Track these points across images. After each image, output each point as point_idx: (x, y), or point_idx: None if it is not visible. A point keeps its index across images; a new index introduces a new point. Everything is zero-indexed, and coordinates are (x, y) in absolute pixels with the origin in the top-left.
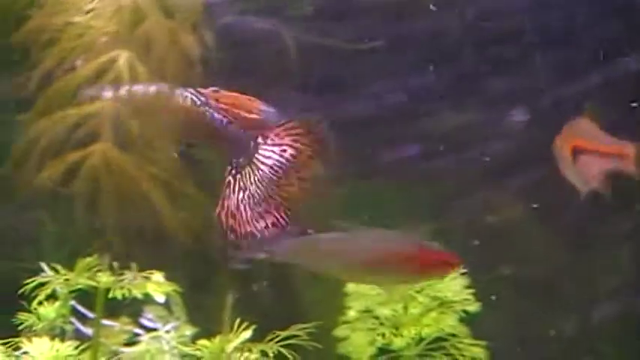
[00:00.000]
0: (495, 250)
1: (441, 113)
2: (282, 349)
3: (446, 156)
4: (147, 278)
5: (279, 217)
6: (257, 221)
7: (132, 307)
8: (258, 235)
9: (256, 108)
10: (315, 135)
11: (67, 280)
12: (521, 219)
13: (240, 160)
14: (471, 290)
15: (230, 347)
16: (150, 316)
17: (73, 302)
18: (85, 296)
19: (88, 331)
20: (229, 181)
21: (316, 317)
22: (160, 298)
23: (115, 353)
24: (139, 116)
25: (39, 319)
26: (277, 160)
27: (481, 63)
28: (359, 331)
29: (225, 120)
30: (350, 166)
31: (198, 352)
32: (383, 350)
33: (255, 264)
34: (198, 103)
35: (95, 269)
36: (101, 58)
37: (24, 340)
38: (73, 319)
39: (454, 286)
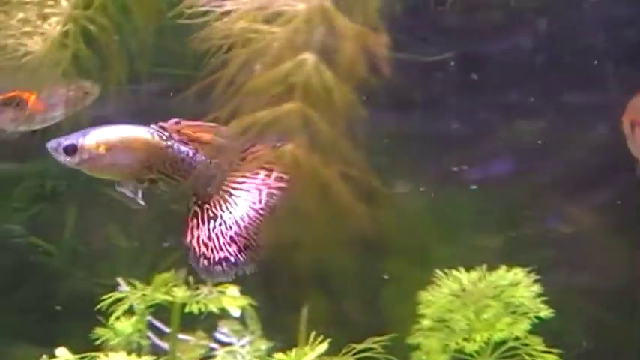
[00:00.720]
0: (570, 259)
1: (517, 123)
2: None
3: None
4: (222, 292)
5: (250, 239)
6: (229, 245)
7: (207, 322)
8: (232, 260)
9: (219, 135)
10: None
11: (144, 295)
12: (597, 229)
13: (208, 189)
14: (544, 297)
15: None
16: (225, 330)
17: (149, 317)
18: (162, 311)
19: (165, 345)
20: (196, 211)
21: (390, 327)
22: (236, 312)
23: None
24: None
25: (115, 333)
26: (251, 184)
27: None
28: (432, 339)
29: (191, 151)
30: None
31: None
32: (456, 357)
33: (328, 277)
34: (164, 137)
35: (171, 284)
36: (287, 62)
37: (101, 355)
38: (149, 334)
39: (527, 292)
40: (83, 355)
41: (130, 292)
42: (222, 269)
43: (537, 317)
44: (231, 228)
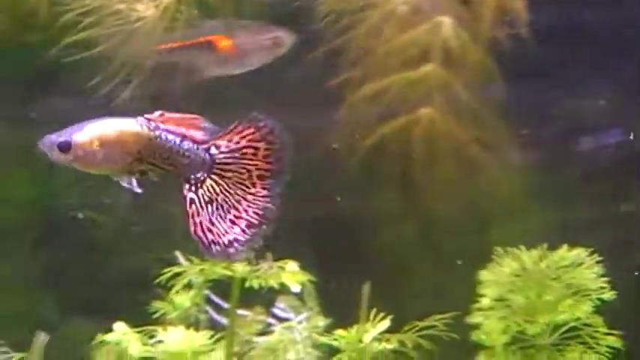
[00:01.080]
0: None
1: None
2: (420, 340)
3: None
4: (282, 268)
5: (251, 217)
6: (232, 227)
7: (264, 297)
8: (242, 238)
9: (201, 125)
10: (264, 130)
11: (202, 269)
12: None
13: (198, 175)
14: (605, 278)
15: (368, 337)
16: (282, 306)
17: (207, 292)
18: (219, 286)
19: (222, 320)
20: (192, 199)
21: (449, 305)
22: (296, 288)
23: (248, 343)
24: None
25: (174, 307)
26: (240, 164)
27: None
28: (493, 319)
29: (178, 139)
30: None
31: (335, 342)
32: (517, 338)
33: (385, 255)
34: (152, 128)
35: None
36: (424, 25)
37: (159, 328)
38: (207, 308)
39: (589, 274)
40: (141, 328)
41: (189, 267)
42: (236, 250)
43: (599, 299)
44: (229, 211)
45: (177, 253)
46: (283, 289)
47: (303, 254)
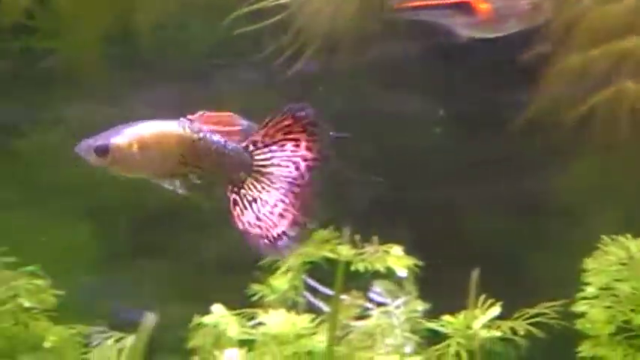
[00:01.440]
0: None
1: None
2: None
3: None
4: (387, 252)
5: (298, 210)
6: (280, 221)
7: (360, 281)
8: (292, 233)
9: (237, 123)
10: (304, 120)
11: (301, 253)
12: None
13: (240, 174)
14: None
15: (478, 323)
16: (378, 290)
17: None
18: (314, 270)
19: (319, 304)
20: (235, 199)
21: (554, 293)
22: (402, 273)
23: (346, 327)
24: None
25: (272, 290)
26: (281, 157)
27: None
28: (598, 308)
29: (221, 140)
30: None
31: (441, 328)
32: (622, 328)
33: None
34: (195, 130)
35: (335, 241)
36: None
37: (259, 310)
38: (304, 292)
39: None
40: (239, 311)
41: None
42: (286, 243)
43: None
44: (276, 205)
45: None
46: (381, 274)
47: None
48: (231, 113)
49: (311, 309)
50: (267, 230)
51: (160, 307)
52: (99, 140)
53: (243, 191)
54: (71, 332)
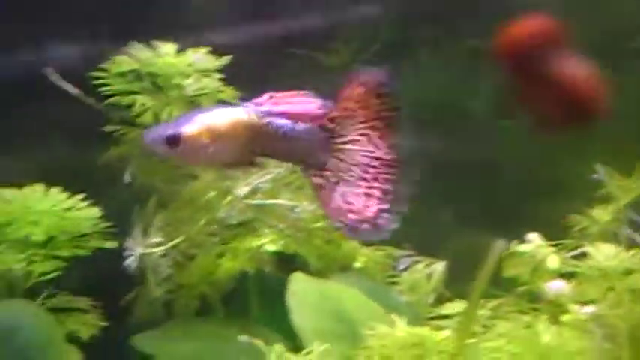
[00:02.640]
0: None
1: None
2: None
3: None
4: None
5: (384, 183)
6: (370, 201)
7: None
8: (386, 207)
9: (313, 101)
10: (372, 84)
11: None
12: None
13: (320, 157)
14: None
15: None
16: None
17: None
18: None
19: None
20: (319, 184)
21: None
22: None
23: None
24: None
25: (593, 222)
26: (358, 131)
27: None
28: None
29: (290, 124)
30: None
31: None
32: None
33: None
34: (261, 115)
35: None
36: None
37: (581, 242)
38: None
39: None
40: (558, 242)
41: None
42: (387, 221)
43: None
44: (359, 185)
45: (599, 166)
46: None
47: None
48: (305, 91)
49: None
50: (362, 212)
51: (470, 235)
52: (169, 129)
53: (327, 173)
54: (380, 254)
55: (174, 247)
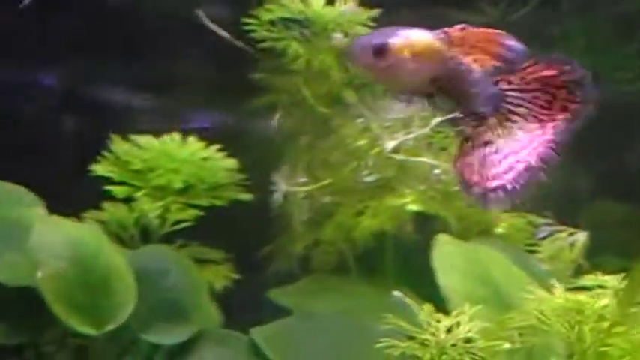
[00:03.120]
0: None
1: None
2: None
3: None
4: None
5: (530, 166)
6: (506, 173)
7: None
8: (509, 187)
9: (506, 44)
10: (569, 78)
11: None
12: None
13: (484, 110)
14: None
15: None
16: None
17: None
18: None
19: None
20: (470, 135)
21: None
22: None
23: None
24: None
25: None
26: (529, 107)
27: None
28: None
29: (470, 65)
30: None
31: None
32: None
33: None
34: (447, 47)
35: None
36: None
37: None
38: None
39: None
40: None
41: None
42: (498, 197)
43: None
44: (506, 157)
45: None
46: None
47: None
48: (502, 32)
49: None
50: (486, 180)
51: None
52: (376, 39)
53: (482, 128)
54: (521, 221)
55: (318, 189)
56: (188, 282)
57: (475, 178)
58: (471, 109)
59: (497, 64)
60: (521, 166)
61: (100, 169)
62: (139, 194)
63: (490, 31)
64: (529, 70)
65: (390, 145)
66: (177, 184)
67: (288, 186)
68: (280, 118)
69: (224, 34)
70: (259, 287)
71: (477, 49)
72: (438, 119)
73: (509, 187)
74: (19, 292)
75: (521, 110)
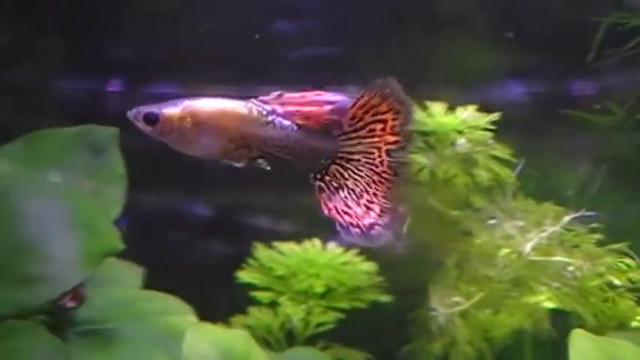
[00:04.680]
0: None
1: None
2: None
3: None
4: None
5: (383, 200)
6: (368, 213)
7: None
8: (381, 222)
9: (327, 100)
10: (391, 98)
11: None
12: None
13: (322, 162)
14: None
15: None
16: None
17: None
18: None
19: None
20: (320, 186)
21: None
22: None
23: None
24: None
25: None
26: (368, 143)
27: None
28: None
29: (294, 126)
30: None
31: None
32: None
33: None
34: (264, 113)
35: None
36: None
37: None
38: None
39: None
40: None
41: None
42: (379, 232)
43: None
44: (361, 195)
45: None
46: None
47: None
48: (322, 92)
49: None
50: (358, 219)
51: None
52: (152, 108)
53: (327, 178)
54: None
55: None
56: None
57: (348, 219)
58: (306, 165)
59: (325, 119)
60: (377, 207)
61: (244, 275)
62: (282, 299)
63: (308, 92)
64: (359, 105)
65: (527, 246)
66: (319, 288)
67: (444, 307)
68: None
69: None
70: None
71: (298, 112)
72: (569, 217)
73: (380, 222)
74: None
75: (360, 148)
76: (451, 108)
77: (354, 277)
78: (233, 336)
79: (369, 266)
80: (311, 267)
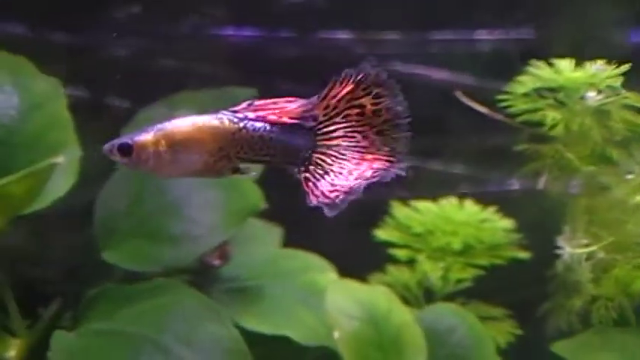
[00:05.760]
0: None
1: None
2: None
3: None
4: None
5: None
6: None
7: None
8: (364, 183)
9: (299, 104)
10: (365, 83)
11: None
12: None
13: (303, 153)
14: None
15: None
16: None
17: None
18: None
19: None
20: (305, 177)
21: None
22: None
23: None
24: None
25: None
26: (345, 128)
27: None
28: None
29: (267, 126)
30: None
31: None
32: None
33: None
34: (235, 120)
35: None
36: None
37: None
38: None
39: None
40: None
41: None
42: (338, 196)
43: None
44: (351, 173)
45: None
46: None
47: None
48: (290, 98)
49: None
50: (342, 192)
51: None
52: (123, 139)
53: (312, 167)
54: None
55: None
56: (475, 338)
57: (333, 195)
58: (287, 160)
59: (297, 112)
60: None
61: (382, 233)
62: (420, 256)
63: (279, 99)
64: (331, 95)
65: None
66: (457, 246)
67: (572, 247)
68: (547, 181)
69: (483, 109)
70: (542, 342)
71: (272, 113)
72: None
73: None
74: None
75: (338, 133)
76: (578, 63)
77: (493, 234)
78: (375, 292)
79: (508, 224)
80: (448, 224)
